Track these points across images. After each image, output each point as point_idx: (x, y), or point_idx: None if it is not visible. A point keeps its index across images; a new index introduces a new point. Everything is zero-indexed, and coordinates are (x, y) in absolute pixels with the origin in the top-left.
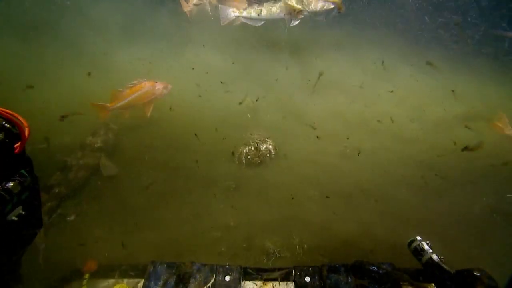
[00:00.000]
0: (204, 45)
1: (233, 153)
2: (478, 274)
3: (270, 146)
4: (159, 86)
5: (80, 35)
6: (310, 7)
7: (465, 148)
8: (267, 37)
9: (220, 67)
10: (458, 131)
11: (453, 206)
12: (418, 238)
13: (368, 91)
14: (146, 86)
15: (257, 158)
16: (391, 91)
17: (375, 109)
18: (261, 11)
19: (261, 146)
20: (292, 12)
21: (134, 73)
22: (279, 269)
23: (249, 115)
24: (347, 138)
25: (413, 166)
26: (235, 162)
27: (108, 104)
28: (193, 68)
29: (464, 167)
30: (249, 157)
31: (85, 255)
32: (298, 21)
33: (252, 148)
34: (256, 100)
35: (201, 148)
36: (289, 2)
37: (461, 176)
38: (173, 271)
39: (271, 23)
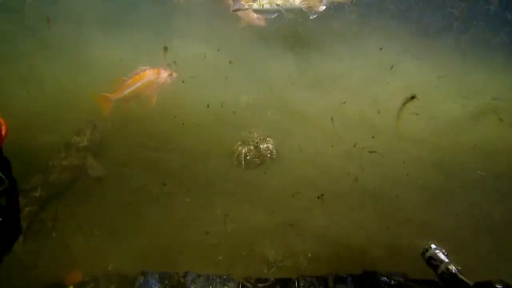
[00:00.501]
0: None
1: (231, 153)
2: (500, 287)
3: (271, 146)
4: (163, 74)
5: (57, 26)
6: None
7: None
8: (263, 30)
9: (213, 61)
10: (469, 129)
11: (466, 209)
12: (433, 246)
13: (371, 87)
14: (150, 74)
15: (257, 159)
16: (408, 98)
17: (379, 107)
18: (275, 1)
19: (261, 146)
20: (312, 3)
21: (118, 67)
22: (281, 280)
23: (248, 114)
24: (354, 143)
25: (422, 168)
26: (234, 163)
27: (110, 95)
28: (175, 62)
29: (476, 167)
30: (248, 157)
31: (69, 264)
32: (316, 15)
33: (252, 147)
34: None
35: (196, 147)
36: None
37: (472, 176)
38: (166, 282)
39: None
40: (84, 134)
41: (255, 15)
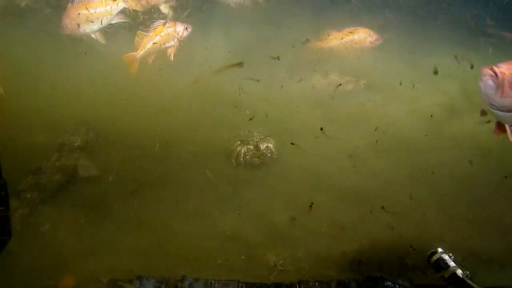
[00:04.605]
0: None
1: (230, 153)
2: None
3: (272, 145)
4: (180, 27)
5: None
6: None
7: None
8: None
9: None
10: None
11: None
12: (440, 250)
13: (384, 87)
14: (167, 27)
15: (257, 159)
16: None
17: (392, 106)
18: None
19: (261, 145)
20: None
21: None
22: (282, 284)
23: (247, 111)
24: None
25: (434, 169)
26: (232, 164)
27: (135, 52)
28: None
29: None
30: (247, 157)
31: (61, 269)
32: None
33: (251, 147)
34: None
35: (193, 148)
36: None
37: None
38: (162, 286)
39: None
40: (78, 134)
41: None
